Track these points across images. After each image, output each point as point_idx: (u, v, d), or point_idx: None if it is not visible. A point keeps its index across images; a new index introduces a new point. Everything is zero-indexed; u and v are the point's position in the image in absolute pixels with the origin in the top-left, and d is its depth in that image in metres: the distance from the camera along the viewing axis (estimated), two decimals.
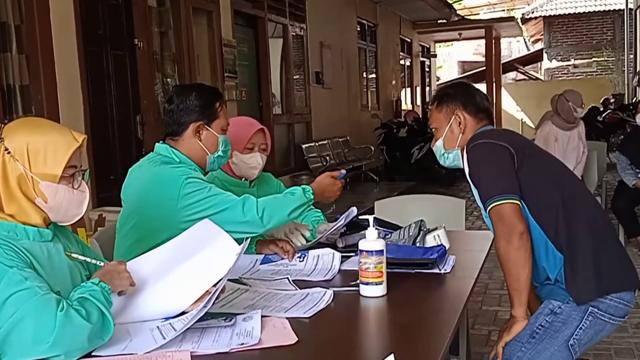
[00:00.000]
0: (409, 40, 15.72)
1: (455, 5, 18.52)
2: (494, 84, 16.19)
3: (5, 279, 1.39)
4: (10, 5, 4.51)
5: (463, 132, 2.19)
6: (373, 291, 1.88)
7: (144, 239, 2.08)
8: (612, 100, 15.42)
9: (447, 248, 2.27)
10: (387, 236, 2.36)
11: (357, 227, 2.49)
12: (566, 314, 1.99)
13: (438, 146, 2.26)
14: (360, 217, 2.29)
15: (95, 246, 2.29)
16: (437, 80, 20.02)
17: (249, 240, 1.76)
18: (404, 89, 15.44)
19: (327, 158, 9.40)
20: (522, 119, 18.81)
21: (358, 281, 1.91)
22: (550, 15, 19.83)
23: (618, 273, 2.01)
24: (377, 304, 1.86)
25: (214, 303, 1.59)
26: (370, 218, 1.97)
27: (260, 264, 2.30)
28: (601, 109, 13.92)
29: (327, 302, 1.83)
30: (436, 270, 2.12)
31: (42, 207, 1.54)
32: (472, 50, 25.87)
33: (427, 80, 17.93)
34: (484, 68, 17.11)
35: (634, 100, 14.90)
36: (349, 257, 2.28)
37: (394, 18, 14.19)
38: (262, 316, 1.67)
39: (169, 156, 2.24)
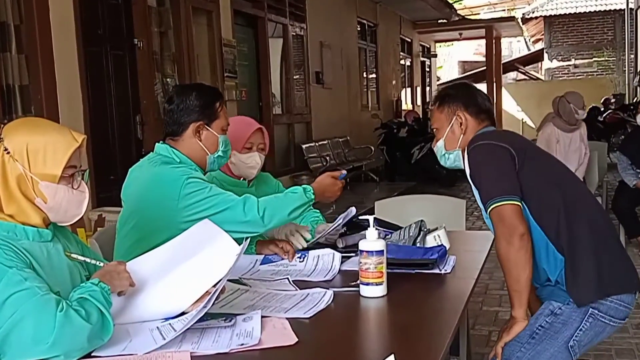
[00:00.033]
0: (409, 40, 15.71)
1: (456, 5, 18.52)
2: (495, 84, 16.20)
3: (5, 280, 1.39)
4: (9, 5, 4.51)
5: (464, 133, 2.19)
6: (373, 291, 1.88)
7: (144, 239, 2.08)
8: (612, 101, 15.42)
9: (447, 248, 2.26)
10: (387, 236, 2.36)
11: (357, 227, 2.48)
12: (566, 315, 1.98)
13: (439, 146, 2.26)
14: (360, 217, 2.29)
15: (95, 246, 2.29)
16: (438, 80, 20.02)
17: (248, 240, 1.76)
18: (404, 89, 15.43)
19: (327, 158, 9.39)
20: (522, 119, 18.81)
21: (358, 281, 1.91)
22: (550, 15, 19.82)
23: (619, 275, 2.01)
24: (377, 305, 1.86)
25: (213, 303, 1.58)
26: (371, 218, 1.96)
27: (260, 264, 2.30)
28: (602, 109, 13.92)
29: (327, 303, 1.82)
30: (436, 271, 2.12)
31: (42, 207, 1.54)
32: (473, 50, 25.88)
33: (428, 80, 17.92)
34: (485, 68, 17.13)
35: (634, 100, 14.90)
36: (349, 257, 2.28)
37: (394, 18, 14.18)
38: (262, 316, 1.67)
39: (169, 156, 2.24)
